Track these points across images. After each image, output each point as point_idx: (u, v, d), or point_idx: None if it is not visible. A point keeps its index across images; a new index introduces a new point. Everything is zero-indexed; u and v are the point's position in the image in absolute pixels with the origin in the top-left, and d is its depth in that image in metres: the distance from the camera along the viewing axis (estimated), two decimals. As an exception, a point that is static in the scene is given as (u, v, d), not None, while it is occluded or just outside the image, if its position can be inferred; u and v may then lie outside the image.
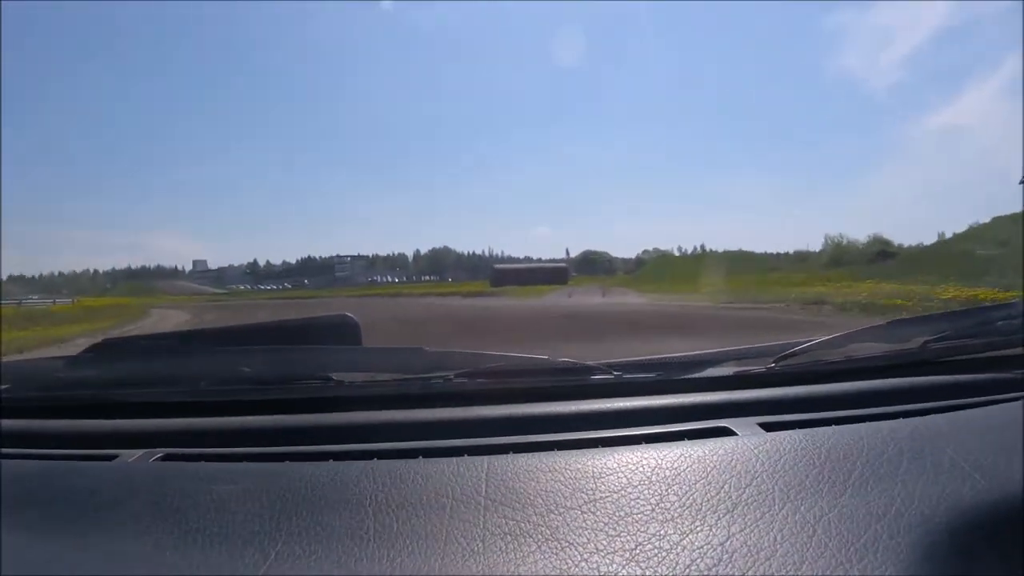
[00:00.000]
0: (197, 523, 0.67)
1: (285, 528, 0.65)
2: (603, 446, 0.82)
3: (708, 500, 0.67)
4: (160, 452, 0.87)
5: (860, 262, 31.54)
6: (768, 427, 0.86)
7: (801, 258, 44.32)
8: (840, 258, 35.75)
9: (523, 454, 0.79)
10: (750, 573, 0.57)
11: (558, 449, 0.81)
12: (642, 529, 0.63)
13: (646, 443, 0.82)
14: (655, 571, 0.58)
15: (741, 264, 42.25)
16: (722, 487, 0.69)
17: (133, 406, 1.04)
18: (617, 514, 0.65)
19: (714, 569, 0.57)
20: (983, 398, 0.93)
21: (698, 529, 0.62)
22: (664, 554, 0.59)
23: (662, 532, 0.62)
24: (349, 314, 1.21)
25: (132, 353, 1.19)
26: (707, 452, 0.77)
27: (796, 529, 0.61)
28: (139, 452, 0.87)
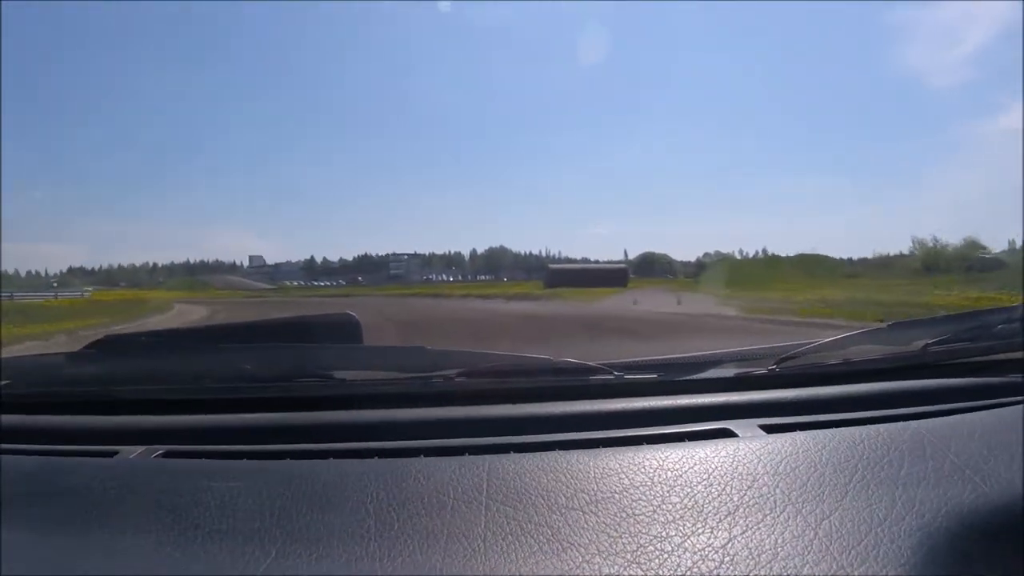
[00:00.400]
0: (198, 520, 0.67)
1: (286, 526, 0.65)
2: (604, 447, 0.81)
3: (710, 502, 0.67)
4: (161, 449, 0.87)
5: (957, 268, 27.93)
6: (769, 429, 0.86)
7: (884, 263, 40.11)
8: (934, 263, 31.96)
9: (524, 454, 0.79)
10: (752, 573, 0.57)
11: (559, 449, 0.81)
12: (644, 530, 0.63)
13: (647, 444, 0.82)
14: (657, 573, 0.58)
15: (816, 268, 38.56)
16: (723, 489, 0.69)
17: (134, 403, 1.04)
18: (619, 515, 0.65)
19: (716, 571, 0.57)
20: (984, 402, 0.92)
21: (700, 531, 0.62)
22: (666, 556, 0.59)
23: (664, 534, 0.62)
24: (351, 313, 1.20)
25: (133, 350, 1.18)
26: (709, 454, 0.77)
27: (798, 532, 0.62)
28: (140, 448, 0.87)
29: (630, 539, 0.61)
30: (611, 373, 1.04)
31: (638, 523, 0.63)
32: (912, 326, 1.21)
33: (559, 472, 0.72)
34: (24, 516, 0.70)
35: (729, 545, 0.60)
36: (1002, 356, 1.08)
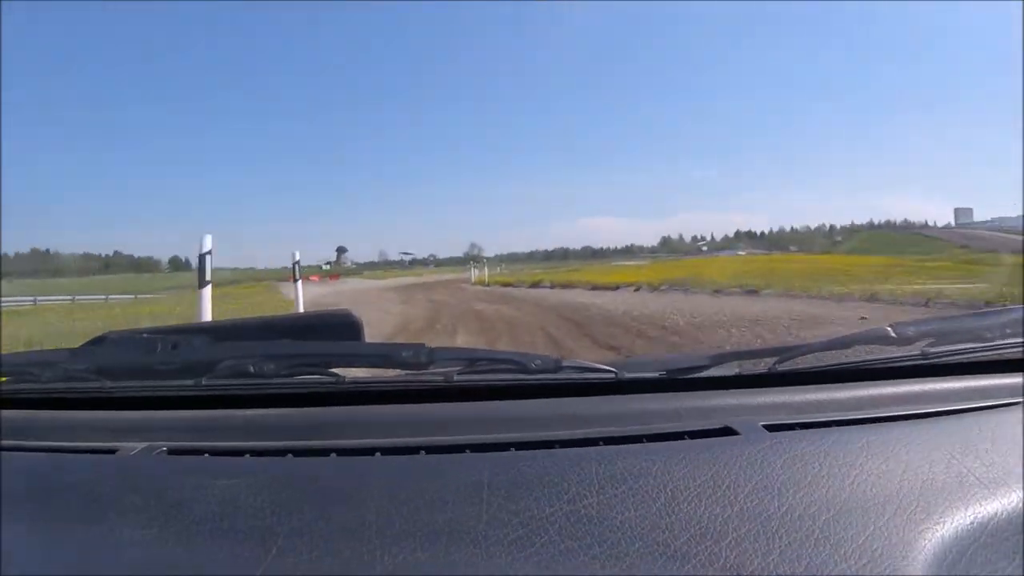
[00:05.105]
0: (199, 517, 0.66)
1: (287, 522, 0.65)
2: (605, 444, 0.81)
3: (716, 501, 0.66)
4: (162, 445, 0.87)
5: None
6: (772, 428, 0.85)
7: None
8: None
9: (525, 451, 0.79)
10: (756, 574, 0.57)
11: (560, 447, 0.81)
12: (649, 529, 0.62)
13: (648, 442, 0.82)
14: (661, 571, 0.57)
15: None
16: (726, 488, 0.68)
17: (135, 399, 1.04)
18: (623, 513, 0.65)
19: (723, 572, 0.57)
20: (985, 402, 0.92)
21: (706, 531, 0.62)
22: (670, 554, 0.59)
23: (670, 533, 0.62)
24: (352, 311, 1.21)
25: (134, 346, 1.18)
26: (710, 452, 0.76)
27: (804, 532, 0.61)
28: (141, 445, 0.87)
29: (635, 538, 0.60)
30: (612, 371, 1.03)
31: (643, 522, 0.62)
32: (915, 326, 1.18)
33: (560, 470, 0.72)
34: (24, 513, 0.70)
35: (736, 545, 0.59)
36: (1005, 356, 1.07)
